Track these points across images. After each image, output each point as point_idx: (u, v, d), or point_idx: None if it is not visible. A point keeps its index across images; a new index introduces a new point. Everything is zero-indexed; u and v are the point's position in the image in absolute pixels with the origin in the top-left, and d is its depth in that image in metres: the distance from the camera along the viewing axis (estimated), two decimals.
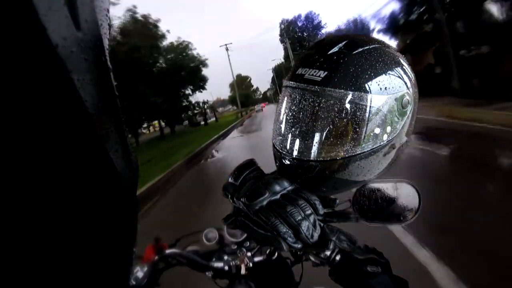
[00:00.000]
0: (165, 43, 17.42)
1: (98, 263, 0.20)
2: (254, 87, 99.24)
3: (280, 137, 0.52)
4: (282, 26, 42.96)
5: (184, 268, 0.66)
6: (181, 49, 18.63)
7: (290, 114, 0.49)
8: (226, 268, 0.63)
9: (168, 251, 0.64)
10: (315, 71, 0.45)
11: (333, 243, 0.42)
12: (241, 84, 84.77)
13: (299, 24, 41.88)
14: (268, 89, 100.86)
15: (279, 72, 48.93)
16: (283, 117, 0.51)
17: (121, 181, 0.22)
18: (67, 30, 0.18)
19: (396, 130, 0.47)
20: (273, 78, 63.05)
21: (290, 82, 0.49)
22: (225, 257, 0.64)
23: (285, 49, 39.54)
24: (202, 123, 28.94)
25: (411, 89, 0.48)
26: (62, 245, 0.18)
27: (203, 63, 19.73)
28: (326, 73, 0.44)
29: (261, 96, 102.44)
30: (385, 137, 0.46)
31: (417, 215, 0.52)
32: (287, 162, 0.49)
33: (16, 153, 0.16)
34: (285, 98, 0.51)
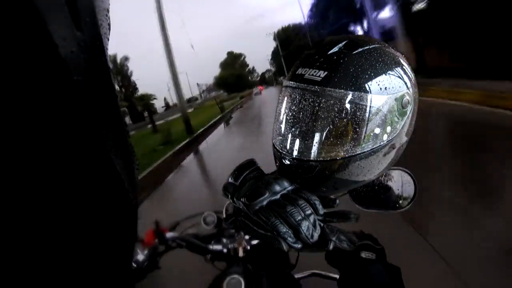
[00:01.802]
0: None
1: (98, 264, 0.21)
2: (250, 66, 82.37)
3: (280, 137, 0.52)
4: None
5: (183, 251, 0.68)
6: None
7: (290, 114, 0.49)
8: (225, 251, 0.64)
9: (168, 234, 0.66)
10: (315, 71, 0.45)
11: (333, 243, 0.42)
12: (233, 63, 70.03)
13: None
14: (267, 70, 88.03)
15: (283, 39, 39.70)
16: (283, 117, 0.51)
17: (121, 181, 0.22)
18: (67, 30, 0.18)
19: (396, 130, 0.47)
20: (275, 50, 48.70)
21: (290, 82, 0.48)
22: (224, 240, 0.65)
23: (277, 46, 36.46)
24: (149, 126, 16.28)
25: (411, 89, 0.48)
26: (61, 246, 0.18)
27: None
28: (326, 73, 0.44)
29: (258, 78, 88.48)
30: (385, 137, 0.46)
31: (412, 202, 0.53)
32: (287, 162, 0.50)
33: (16, 153, 0.16)
34: (285, 98, 0.51)
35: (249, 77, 79.62)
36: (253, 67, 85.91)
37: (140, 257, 0.62)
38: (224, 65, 66.77)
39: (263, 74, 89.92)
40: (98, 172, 0.20)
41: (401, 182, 0.55)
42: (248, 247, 0.65)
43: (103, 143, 0.20)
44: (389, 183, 0.57)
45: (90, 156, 0.19)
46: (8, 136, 0.15)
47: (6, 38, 0.15)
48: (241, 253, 0.64)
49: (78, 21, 0.18)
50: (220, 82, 62.13)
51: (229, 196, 0.49)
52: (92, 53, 0.20)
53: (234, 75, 60.97)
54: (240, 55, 74.99)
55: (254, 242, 0.66)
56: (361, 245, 0.49)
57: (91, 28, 0.20)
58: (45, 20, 0.16)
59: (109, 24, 0.23)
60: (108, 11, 0.23)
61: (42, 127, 0.17)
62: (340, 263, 0.50)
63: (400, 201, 0.54)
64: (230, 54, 71.62)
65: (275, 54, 47.11)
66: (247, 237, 0.67)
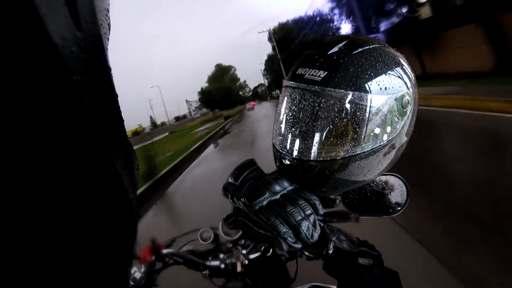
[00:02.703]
0: None
1: (98, 264, 0.20)
2: (241, 80, 72.84)
3: (280, 137, 0.52)
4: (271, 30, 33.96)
5: (180, 268, 0.66)
6: None
7: (290, 114, 0.49)
8: (222, 266, 0.63)
9: (164, 251, 0.65)
10: (315, 71, 0.45)
11: (333, 243, 0.43)
12: (222, 77, 60.37)
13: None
14: (259, 85, 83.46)
15: (281, 39, 31.21)
16: (283, 117, 0.51)
17: (121, 181, 0.22)
18: (67, 30, 0.18)
19: (396, 130, 0.47)
20: (270, 56, 41.36)
21: (290, 82, 0.49)
22: (221, 256, 0.64)
23: (273, 47, 31.51)
24: None
25: (411, 89, 0.48)
26: (61, 246, 0.18)
27: None
28: (326, 73, 0.44)
29: (250, 93, 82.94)
30: (385, 137, 0.46)
31: (405, 207, 0.54)
32: (287, 162, 0.49)
33: (15, 153, 0.16)
34: (285, 98, 0.51)
35: (241, 92, 71.29)
36: (245, 81, 78.12)
37: (138, 274, 0.60)
38: (212, 79, 58.45)
39: (255, 88, 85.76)
40: (98, 172, 0.20)
41: (393, 188, 0.56)
42: (246, 262, 0.64)
43: (103, 143, 0.20)
44: (382, 189, 0.57)
45: (90, 156, 0.19)
46: (8, 136, 0.15)
47: (6, 38, 0.15)
48: (239, 268, 0.63)
49: (78, 21, 0.18)
50: (204, 98, 52.37)
51: (229, 196, 0.49)
52: (92, 53, 0.20)
53: (222, 89, 51.94)
54: (229, 67, 65.17)
55: (252, 256, 0.65)
56: (358, 252, 0.49)
57: (91, 28, 0.20)
58: (45, 20, 0.16)
59: (109, 24, 0.23)
60: (108, 11, 0.23)
61: (41, 127, 0.17)
62: (337, 271, 0.50)
63: (393, 207, 0.54)
64: (219, 66, 62.69)
65: (270, 62, 39.66)
66: (244, 251, 0.66)
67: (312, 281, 0.74)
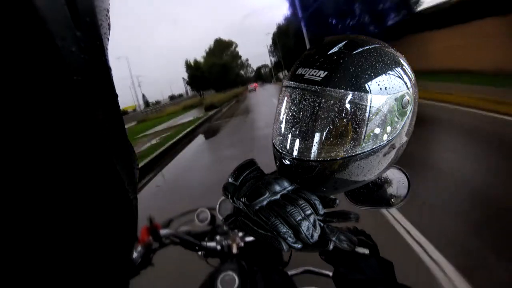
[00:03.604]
0: None
1: (98, 263, 0.21)
2: (243, 58, 61.83)
3: (280, 137, 0.52)
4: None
5: (176, 248, 0.67)
6: None
7: (290, 114, 0.49)
8: (219, 247, 0.64)
9: (162, 231, 0.65)
10: (315, 71, 0.45)
11: (333, 243, 0.43)
12: (221, 52, 49.96)
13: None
14: (263, 66, 76.56)
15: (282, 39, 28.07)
16: (283, 117, 0.51)
17: (121, 181, 0.22)
18: (67, 30, 0.18)
19: (396, 130, 0.47)
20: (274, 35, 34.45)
21: (290, 82, 0.48)
22: (217, 237, 0.65)
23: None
24: None
25: (411, 89, 0.48)
26: (61, 245, 0.18)
27: None
28: (326, 73, 0.44)
29: (253, 74, 74.41)
30: (385, 137, 0.46)
31: (405, 199, 0.54)
32: (287, 162, 0.49)
33: (16, 152, 0.16)
34: (285, 98, 0.51)
35: (242, 72, 60.95)
36: (247, 60, 68.23)
37: (134, 254, 0.61)
38: (209, 54, 46.43)
39: (258, 69, 78.96)
40: (98, 172, 0.20)
41: (395, 180, 0.56)
42: (242, 244, 0.66)
43: (103, 142, 0.20)
44: (383, 181, 0.57)
45: (90, 155, 0.19)
46: (8, 136, 0.15)
47: (6, 38, 0.15)
48: (235, 250, 0.64)
49: (78, 21, 0.18)
50: (193, 76, 36.85)
51: (229, 196, 0.49)
52: (92, 53, 0.20)
53: (217, 66, 38.60)
54: (230, 43, 53.37)
55: (248, 239, 0.66)
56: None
57: (91, 28, 0.19)
58: (45, 20, 0.16)
59: (109, 24, 0.22)
60: (108, 11, 0.22)
61: (41, 127, 0.17)
62: (334, 258, 0.51)
63: (393, 199, 0.55)
64: (218, 41, 51.39)
65: (280, 35, 30.66)
66: (240, 234, 0.67)
67: (306, 266, 0.77)
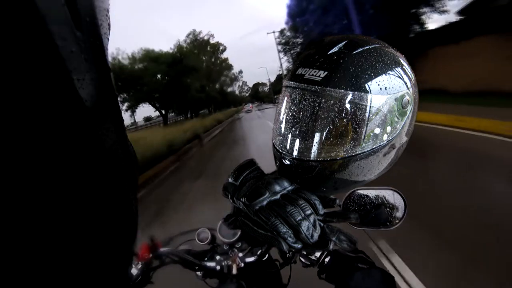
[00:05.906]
0: None
1: (98, 263, 0.20)
2: (235, 70, 44.70)
3: (280, 137, 0.52)
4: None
5: (176, 267, 0.66)
6: None
7: (290, 114, 0.49)
8: (218, 268, 0.64)
9: (162, 249, 0.65)
10: (315, 71, 0.45)
11: (333, 243, 0.43)
12: (204, 50, 26.81)
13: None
14: (260, 84, 66.98)
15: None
16: (283, 117, 0.51)
17: (121, 180, 0.22)
18: (67, 30, 0.18)
19: (396, 130, 0.47)
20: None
21: (290, 82, 0.49)
22: (217, 257, 0.65)
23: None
24: None
25: (411, 89, 0.48)
26: (61, 246, 0.18)
27: None
28: (326, 73, 0.44)
29: (249, 92, 65.70)
30: (385, 137, 0.46)
31: (402, 220, 0.55)
32: (287, 162, 0.49)
33: (15, 152, 0.16)
34: (285, 98, 0.51)
35: (233, 89, 45.47)
36: (240, 71, 49.16)
37: (134, 271, 0.62)
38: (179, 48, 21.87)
39: (254, 86, 67.89)
40: (98, 172, 0.20)
41: (392, 202, 0.57)
42: (242, 265, 0.65)
43: (103, 143, 0.20)
44: (380, 203, 0.58)
45: (90, 156, 0.19)
46: (8, 136, 0.15)
47: (6, 38, 0.15)
48: (234, 270, 0.64)
49: (78, 21, 0.18)
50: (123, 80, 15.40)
51: (229, 196, 0.49)
52: (92, 53, 0.20)
53: (185, 67, 18.86)
54: (215, 44, 31.78)
55: (248, 259, 0.66)
56: (356, 257, 0.50)
57: (91, 28, 0.20)
58: (45, 20, 0.16)
59: (109, 24, 0.23)
60: (108, 11, 0.23)
61: (41, 127, 0.17)
62: (335, 276, 0.50)
63: (391, 219, 0.56)
64: (193, 32, 28.12)
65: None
66: (241, 254, 0.66)
67: (305, 287, 0.75)
